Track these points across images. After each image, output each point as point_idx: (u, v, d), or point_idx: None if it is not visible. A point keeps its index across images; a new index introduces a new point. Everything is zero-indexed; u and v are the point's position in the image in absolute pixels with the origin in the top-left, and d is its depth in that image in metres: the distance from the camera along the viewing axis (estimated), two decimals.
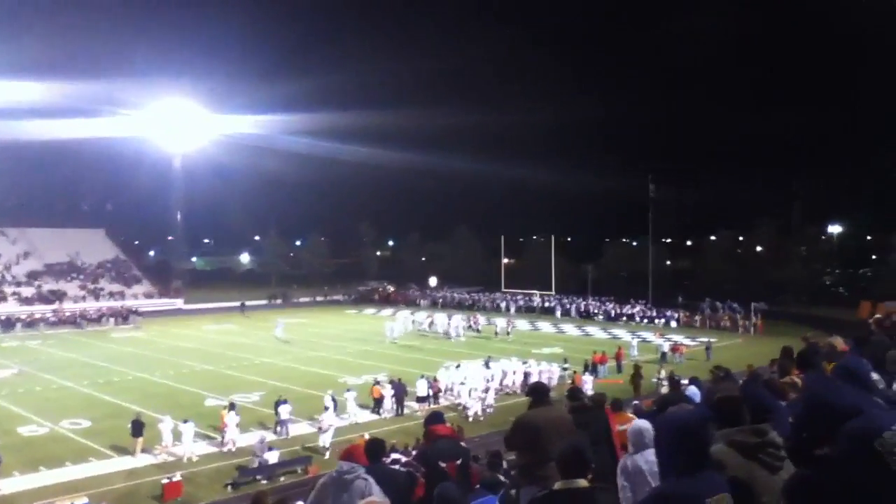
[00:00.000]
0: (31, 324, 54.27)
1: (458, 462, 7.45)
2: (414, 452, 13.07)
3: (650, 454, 5.32)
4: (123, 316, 58.11)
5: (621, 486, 5.39)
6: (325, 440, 22.27)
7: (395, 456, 16.21)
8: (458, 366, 31.60)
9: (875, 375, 5.75)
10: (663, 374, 29.91)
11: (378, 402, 26.96)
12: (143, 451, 21.79)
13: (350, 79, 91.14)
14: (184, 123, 69.46)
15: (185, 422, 22.06)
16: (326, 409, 24.23)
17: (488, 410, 26.86)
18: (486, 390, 27.75)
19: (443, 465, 7.15)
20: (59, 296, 62.70)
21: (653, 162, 76.17)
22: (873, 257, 76.76)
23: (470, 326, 50.67)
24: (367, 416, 26.52)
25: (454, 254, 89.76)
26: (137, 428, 21.86)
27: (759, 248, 75.19)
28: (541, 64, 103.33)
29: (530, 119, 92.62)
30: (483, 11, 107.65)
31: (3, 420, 26.16)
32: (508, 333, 47.97)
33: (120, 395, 30.17)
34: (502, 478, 8.57)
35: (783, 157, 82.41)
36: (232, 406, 23.40)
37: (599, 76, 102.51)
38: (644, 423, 5.65)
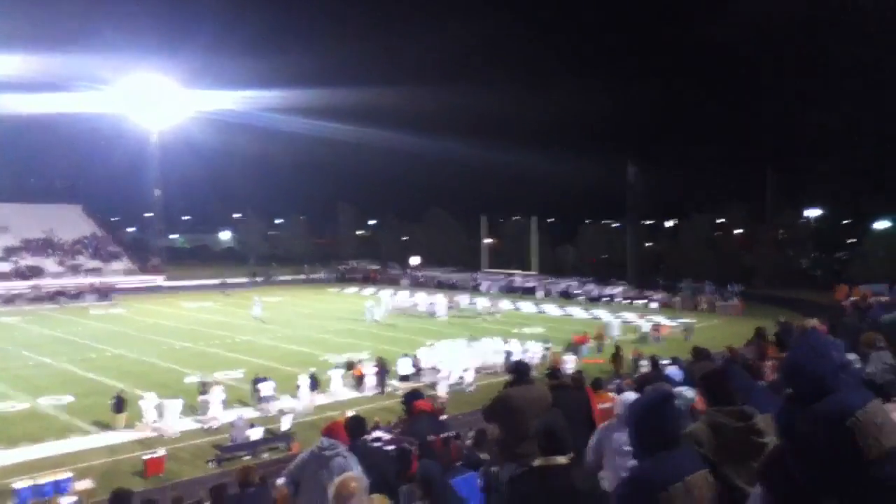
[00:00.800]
0: (8, 300, 53.77)
1: (443, 436, 7.59)
2: (397, 430, 13.24)
3: None
4: (103, 293, 57.70)
5: (591, 451, 5.46)
6: (285, 423, 21.86)
7: (377, 434, 16.40)
8: (431, 344, 31.83)
9: (851, 355, 5.93)
10: (632, 356, 30.37)
11: (360, 381, 27.13)
12: (125, 427, 21.82)
13: (330, 56, 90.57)
14: (160, 99, 68.76)
15: (174, 398, 22.11)
16: (298, 387, 24.45)
17: (468, 389, 27.08)
18: (466, 369, 28.01)
19: (431, 438, 7.29)
20: (36, 272, 62.13)
21: (632, 144, 76.48)
22: (849, 241, 77.68)
23: (450, 307, 50.85)
24: (349, 393, 26.65)
25: (434, 234, 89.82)
26: (119, 404, 21.87)
27: (735, 231, 75.94)
28: (522, 46, 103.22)
29: (511, 101, 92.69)
30: None
31: None
32: (490, 314, 48.13)
33: (100, 371, 30.08)
34: (484, 455, 8.72)
35: (760, 140, 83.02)
36: (204, 386, 23.44)
37: (580, 59, 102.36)
38: (632, 395, 5.79)
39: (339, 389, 26.37)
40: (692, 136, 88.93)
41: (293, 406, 24.06)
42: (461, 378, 27.59)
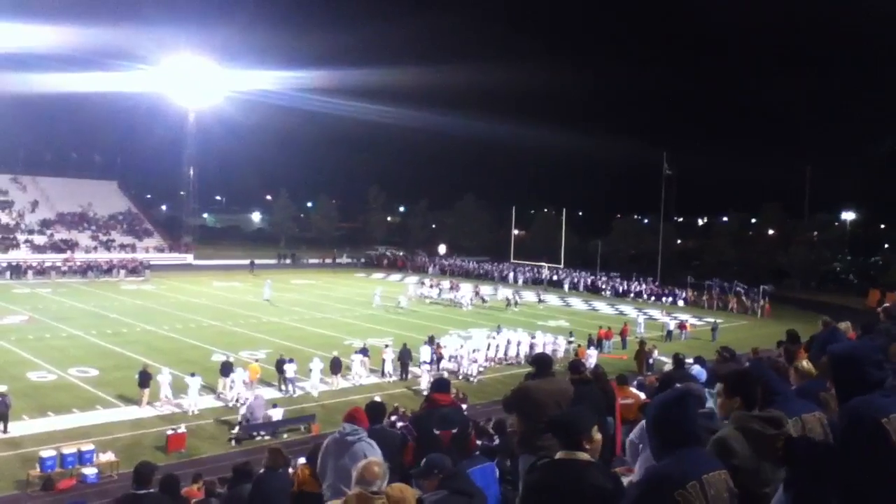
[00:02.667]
0: (42, 272, 54.73)
1: (454, 431, 7.53)
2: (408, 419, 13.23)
3: None
4: (134, 268, 58.49)
5: (629, 444, 5.36)
6: (276, 415, 21.00)
7: (393, 418, 16.41)
8: (452, 334, 31.79)
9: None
10: (656, 353, 30.16)
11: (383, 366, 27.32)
12: (149, 402, 22.11)
13: (367, 36, 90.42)
14: (198, 79, 69.25)
15: (193, 375, 22.32)
16: (310, 370, 24.66)
17: (472, 381, 27.05)
18: (474, 360, 28.33)
19: (437, 432, 7.23)
20: (70, 245, 63.16)
21: (669, 139, 75.52)
22: (885, 246, 76.29)
23: (477, 293, 50.77)
24: (370, 378, 26.75)
25: (463, 222, 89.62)
26: (144, 379, 22.14)
27: (770, 232, 74.84)
28: (559, 30, 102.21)
29: (548, 88, 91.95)
30: None
31: (13, 365, 26.50)
32: (516, 304, 48.04)
33: (127, 346, 30.50)
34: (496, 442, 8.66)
35: (799, 142, 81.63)
36: (227, 367, 23.62)
37: (621, 48, 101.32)
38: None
39: (360, 374, 26.48)
40: (730, 133, 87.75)
41: (309, 389, 24.33)
42: (468, 370, 27.65)
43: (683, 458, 3.00)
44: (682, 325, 40.55)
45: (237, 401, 22.40)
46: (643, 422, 5.55)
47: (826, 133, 78.87)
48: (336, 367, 25.49)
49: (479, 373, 28.24)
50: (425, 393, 24.47)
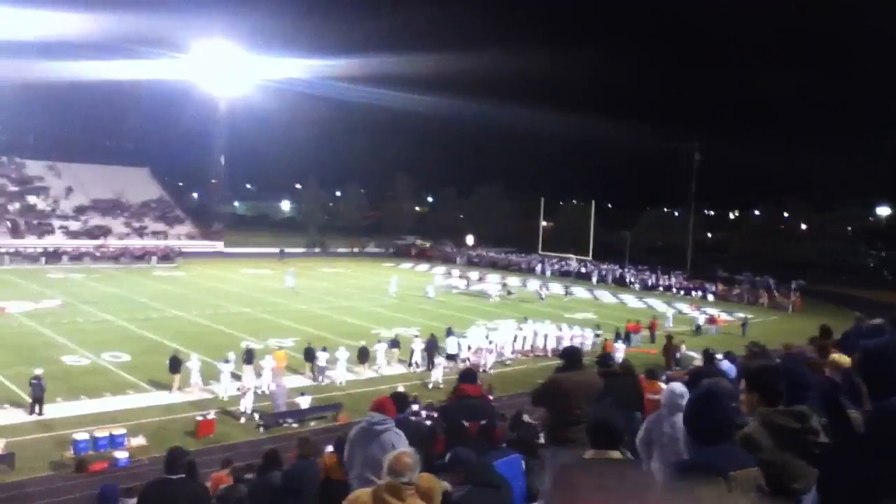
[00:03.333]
0: (76, 257, 55.65)
1: (482, 422, 7.55)
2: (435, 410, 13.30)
3: (679, 419, 5.33)
4: (166, 255, 59.23)
5: (640, 444, 5.34)
6: (245, 405, 20.94)
7: (414, 408, 16.46)
8: (480, 324, 31.77)
9: None
10: (684, 348, 29.85)
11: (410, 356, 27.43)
12: (180, 387, 22.41)
13: (394, 23, 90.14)
14: (229, 67, 69.72)
15: (227, 361, 22.60)
16: (337, 359, 24.83)
17: (485, 370, 26.89)
18: (490, 351, 28.54)
19: (465, 423, 7.25)
20: (104, 231, 64.10)
21: (699, 130, 74.45)
22: None
23: (504, 285, 50.64)
24: (397, 368, 26.88)
25: (491, 212, 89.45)
26: (175, 365, 22.45)
27: (803, 226, 73.82)
28: (592, 18, 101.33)
29: (578, 77, 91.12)
30: None
31: (48, 348, 27.03)
32: (542, 298, 47.69)
33: (158, 331, 30.93)
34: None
35: (834, 133, 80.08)
36: (249, 355, 23.16)
37: (651, 37, 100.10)
38: (678, 386, 5.65)
39: (385, 364, 26.64)
40: (761, 124, 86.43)
41: (336, 378, 24.53)
42: (485, 360, 27.72)
43: (718, 451, 3.01)
44: (712, 319, 40.19)
45: (260, 389, 22.46)
46: (647, 421, 5.51)
47: (862, 124, 77.24)
48: (363, 356, 25.64)
49: (505, 363, 28.29)
50: (430, 386, 24.49)
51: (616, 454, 3.59)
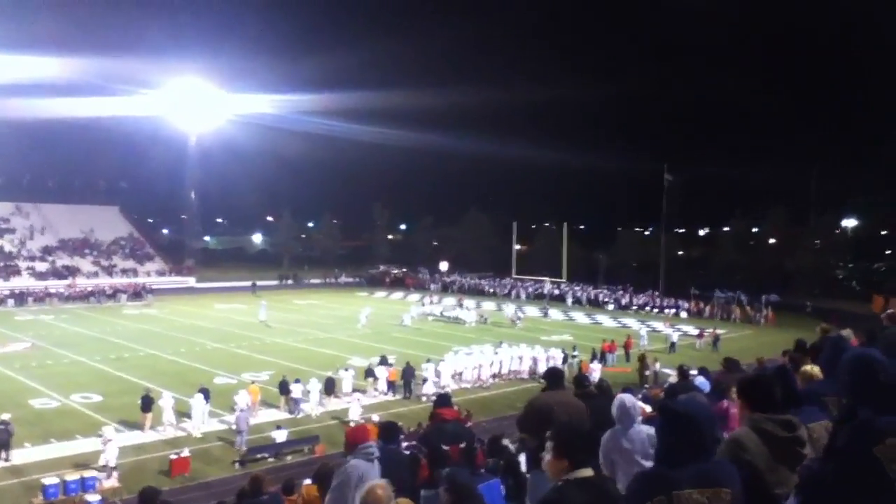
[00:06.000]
0: (43, 298, 54.72)
1: (462, 445, 7.47)
2: (413, 436, 13.18)
3: (635, 432, 5.26)
4: (136, 293, 58.47)
5: (603, 462, 5.27)
6: (279, 437, 20.95)
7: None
8: (457, 351, 31.68)
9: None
10: (658, 365, 30.24)
11: (391, 385, 27.24)
12: (152, 426, 22.00)
13: (365, 58, 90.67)
14: (199, 103, 69.62)
15: (205, 395, 22.34)
16: (308, 392, 24.59)
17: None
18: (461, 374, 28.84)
19: (445, 447, 7.16)
20: (72, 271, 63.19)
21: (670, 149, 75.57)
22: (887, 252, 76.17)
23: (479, 311, 50.54)
24: (372, 398, 26.63)
25: (465, 238, 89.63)
26: (147, 404, 22.06)
27: (771, 241, 74.76)
28: (557, 44, 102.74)
29: (545, 102, 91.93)
30: None
31: (15, 393, 26.42)
32: (517, 321, 47.34)
33: (131, 371, 30.41)
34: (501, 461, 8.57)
35: (800, 147, 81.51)
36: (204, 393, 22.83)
37: (617, 59, 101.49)
38: (628, 397, 5.58)
39: (359, 393, 26.43)
40: (730, 141, 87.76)
41: (308, 410, 24.28)
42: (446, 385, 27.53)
43: (685, 468, 3.00)
44: (700, 334, 41.45)
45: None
46: (603, 440, 5.42)
47: (829, 138, 78.72)
48: (330, 387, 25.40)
49: (483, 387, 28.24)
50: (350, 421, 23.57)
51: (587, 472, 3.54)
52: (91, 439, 21.15)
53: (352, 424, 22.43)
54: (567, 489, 3.54)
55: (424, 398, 25.65)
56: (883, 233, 78.42)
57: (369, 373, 27.74)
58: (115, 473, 17.57)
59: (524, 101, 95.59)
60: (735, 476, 3.10)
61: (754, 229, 79.62)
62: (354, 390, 25.76)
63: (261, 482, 8.28)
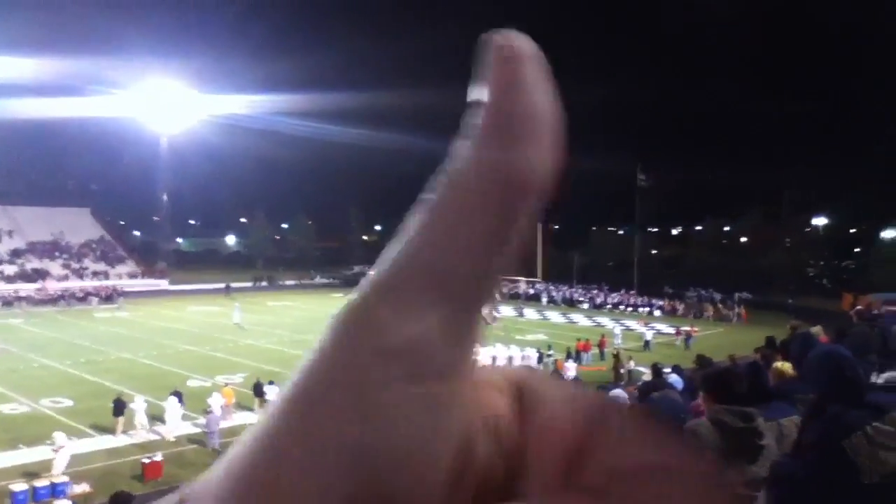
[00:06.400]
0: (12, 302, 53.84)
1: None
2: None
3: None
4: (107, 296, 57.76)
5: None
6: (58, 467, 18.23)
7: None
8: None
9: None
10: (632, 364, 30.49)
11: None
12: (125, 430, 21.72)
13: (339, 59, 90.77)
14: (171, 104, 68.95)
15: (178, 398, 22.11)
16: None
17: None
18: None
19: None
20: (42, 274, 62.26)
21: (642, 150, 76.23)
22: (856, 249, 77.36)
23: None
24: None
25: None
26: (119, 407, 21.76)
27: (743, 239, 75.68)
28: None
29: None
30: None
31: None
32: (491, 322, 47.58)
33: (102, 374, 30.01)
34: None
35: (772, 147, 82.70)
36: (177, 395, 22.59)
37: (593, 60, 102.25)
38: (621, 392, 5.62)
39: None
40: (702, 141, 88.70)
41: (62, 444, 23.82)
42: None
43: None
44: (678, 332, 41.93)
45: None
46: None
47: (801, 139, 79.93)
48: None
49: None
50: None
51: None
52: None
53: None
54: None
55: None
56: (852, 231, 79.58)
57: None
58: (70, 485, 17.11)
59: None
60: None
61: (726, 228, 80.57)
62: None
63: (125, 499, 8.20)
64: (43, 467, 18.61)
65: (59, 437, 18.13)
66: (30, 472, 18.10)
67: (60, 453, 17.57)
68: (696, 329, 43.35)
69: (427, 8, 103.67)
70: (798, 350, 6.67)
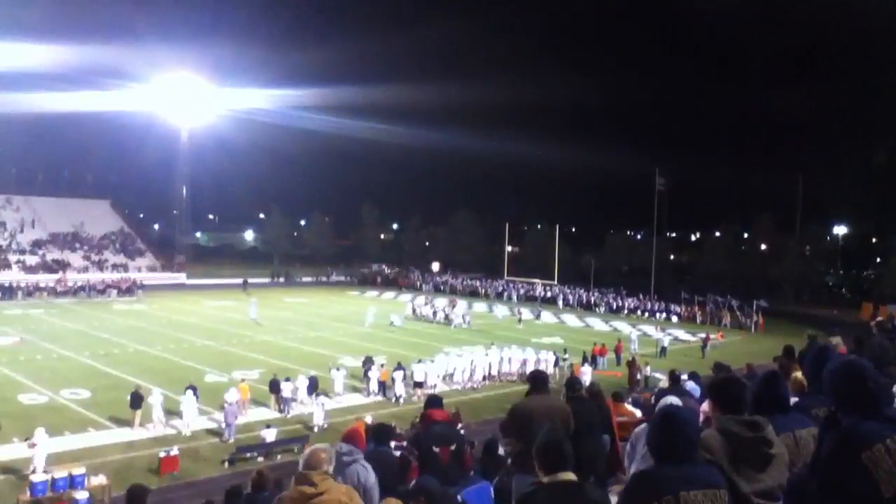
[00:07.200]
0: (33, 292, 54.42)
1: (452, 448, 7.48)
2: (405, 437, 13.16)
3: None
4: (127, 288, 58.24)
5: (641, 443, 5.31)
6: (269, 436, 20.71)
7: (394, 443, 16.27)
8: (447, 352, 31.72)
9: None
10: (648, 370, 30.50)
11: (381, 385, 27.17)
12: (142, 423, 21.91)
13: (357, 54, 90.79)
14: (191, 98, 69.29)
15: (194, 392, 22.33)
16: (297, 388, 24.58)
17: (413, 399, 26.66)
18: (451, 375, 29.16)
19: (436, 449, 7.17)
20: (62, 266, 62.89)
21: (661, 153, 75.91)
22: (877, 260, 76.60)
23: (464, 314, 50.01)
24: (356, 398, 26.64)
25: (456, 239, 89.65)
26: (136, 400, 21.95)
27: (763, 247, 75.10)
28: (550, 47, 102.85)
29: (538, 105, 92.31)
30: None
31: (3, 387, 26.28)
32: (520, 321, 49.01)
33: (120, 367, 30.29)
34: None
35: (792, 153, 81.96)
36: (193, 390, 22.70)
37: (611, 63, 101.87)
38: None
39: (352, 394, 26.42)
40: (721, 147, 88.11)
41: (300, 409, 24.20)
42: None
43: (677, 468, 3.08)
44: (706, 339, 41.25)
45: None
46: (637, 428, 5.52)
47: (819, 145, 79.14)
48: (314, 386, 25.29)
49: (474, 388, 28.34)
50: (314, 427, 22.92)
51: (569, 475, 3.58)
52: (78, 435, 21.08)
53: (315, 430, 22.59)
54: (538, 493, 3.58)
55: (394, 399, 26.27)
56: (873, 241, 78.79)
57: (367, 367, 27.89)
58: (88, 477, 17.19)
59: (517, 103, 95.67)
60: (721, 477, 3.17)
61: (745, 235, 79.99)
62: (318, 394, 25.11)
63: (265, 478, 8.30)
64: (61, 458, 18.82)
65: (38, 433, 17.92)
66: (48, 463, 18.29)
67: (36, 451, 17.50)
68: (721, 335, 44.01)
69: (448, 4, 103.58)
70: (812, 361, 6.65)
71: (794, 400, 5.36)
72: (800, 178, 69.01)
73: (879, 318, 17.15)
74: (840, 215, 73.99)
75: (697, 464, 3.19)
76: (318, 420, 22.85)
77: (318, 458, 4.12)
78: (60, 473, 16.83)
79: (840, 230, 75.68)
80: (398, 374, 26.90)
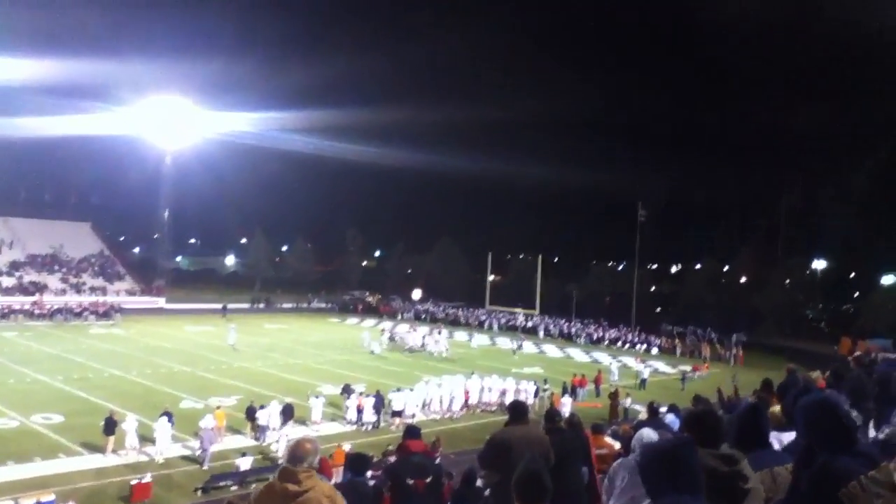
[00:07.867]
0: (8, 315, 53.64)
1: (428, 480, 7.37)
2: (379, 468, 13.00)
3: None
4: (104, 312, 57.56)
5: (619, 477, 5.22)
6: (244, 464, 20.38)
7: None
8: (427, 381, 31.52)
9: (853, 413, 5.75)
10: (629, 402, 30.46)
11: (360, 413, 26.87)
12: (115, 450, 21.52)
13: (342, 78, 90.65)
14: (175, 120, 69.14)
15: (169, 418, 21.96)
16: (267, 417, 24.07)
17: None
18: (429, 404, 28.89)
19: (410, 482, 7.06)
20: (39, 288, 62.11)
21: (644, 186, 76.16)
22: (856, 294, 77.28)
23: (437, 342, 49.46)
24: (334, 426, 26.37)
25: (439, 267, 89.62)
26: (110, 426, 21.57)
27: (742, 279, 75.67)
28: (540, 76, 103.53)
29: (526, 134, 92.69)
30: (477, 7, 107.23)
31: None
32: (517, 350, 49.98)
33: (95, 391, 29.82)
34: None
35: (774, 185, 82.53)
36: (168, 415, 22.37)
37: (593, 91, 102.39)
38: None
39: (330, 422, 26.14)
40: (703, 179, 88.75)
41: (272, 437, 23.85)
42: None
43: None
44: (695, 368, 42.89)
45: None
46: (616, 462, 5.45)
47: (800, 174, 79.74)
48: (289, 414, 24.89)
49: (453, 419, 28.15)
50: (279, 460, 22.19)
51: None
52: (49, 461, 20.65)
53: (279, 463, 22.08)
54: None
55: (364, 427, 26.21)
56: (852, 275, 79.55)
57: (346, 395, 27.70)
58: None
59: (502, 132, 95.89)
60: None
61: (725, 268, 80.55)
62: (292, 422, 24.88)
63: None
64: (31, 484, 18.43)
65: None
66: (16, 490, 17.90)
67: None
68: (707, 366, 45.38)
69: (432, 29, 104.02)
70: (791, 395, 6.66)
71: (777, 434, 5.35)
72: (782, 209, 69.79)
73: (857, 353, 17.24)
74: (821, 249, 74.67)
75: (690, 496, 3.13)
76: (281, 450, 21.84)
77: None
78: (28, 500, 16.47)
79: (819, 264, 76.39)
80: (368, 401, 26.73)
